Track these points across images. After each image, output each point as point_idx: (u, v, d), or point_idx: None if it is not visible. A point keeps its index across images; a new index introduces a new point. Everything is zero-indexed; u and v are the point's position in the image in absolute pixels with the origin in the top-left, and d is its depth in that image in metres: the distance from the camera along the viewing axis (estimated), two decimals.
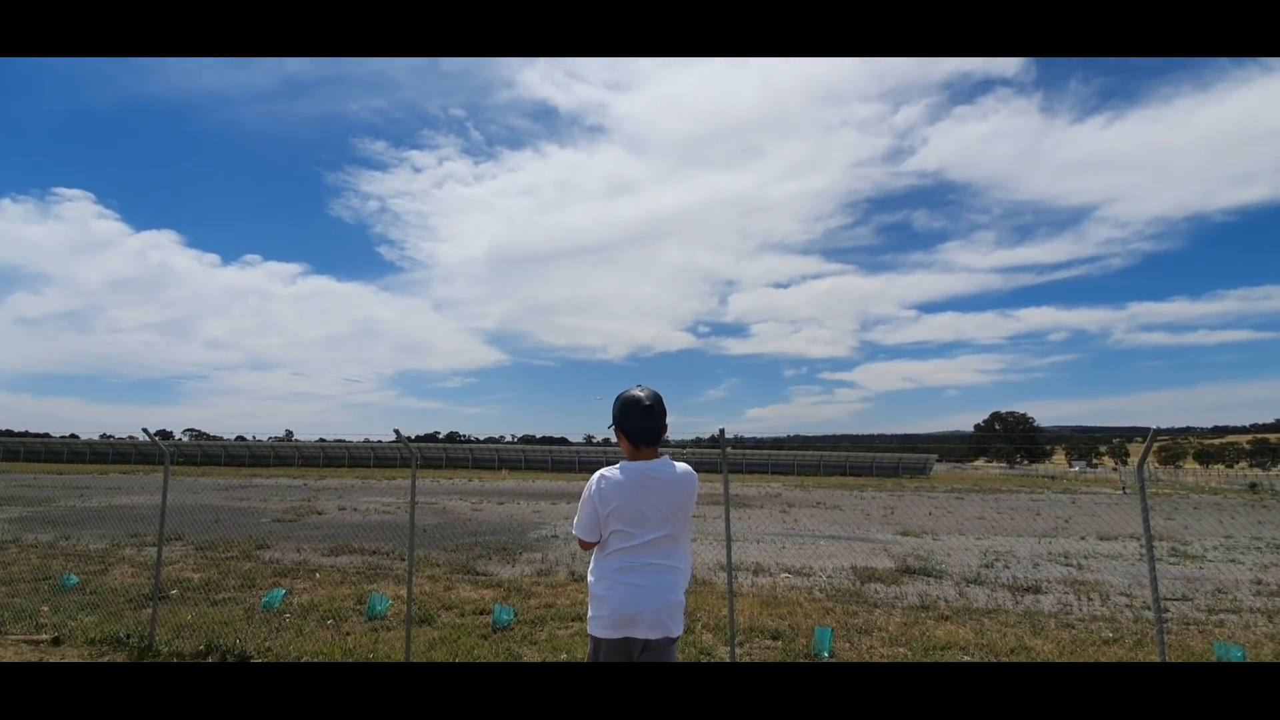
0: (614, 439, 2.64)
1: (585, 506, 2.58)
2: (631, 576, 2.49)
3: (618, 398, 2.65)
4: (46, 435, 73.01)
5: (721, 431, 5.03)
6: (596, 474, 2.59)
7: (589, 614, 2.56)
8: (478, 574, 9.33)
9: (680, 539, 2.60)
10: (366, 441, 56.54)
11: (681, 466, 2.64)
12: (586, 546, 2.62)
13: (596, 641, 2.50)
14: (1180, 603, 8.26)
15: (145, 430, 7.22)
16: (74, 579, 8.34)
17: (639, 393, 2.61)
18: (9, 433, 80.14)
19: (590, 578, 2.60)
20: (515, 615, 6.81)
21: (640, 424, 2.56)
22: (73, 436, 65.13)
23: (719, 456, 5.60)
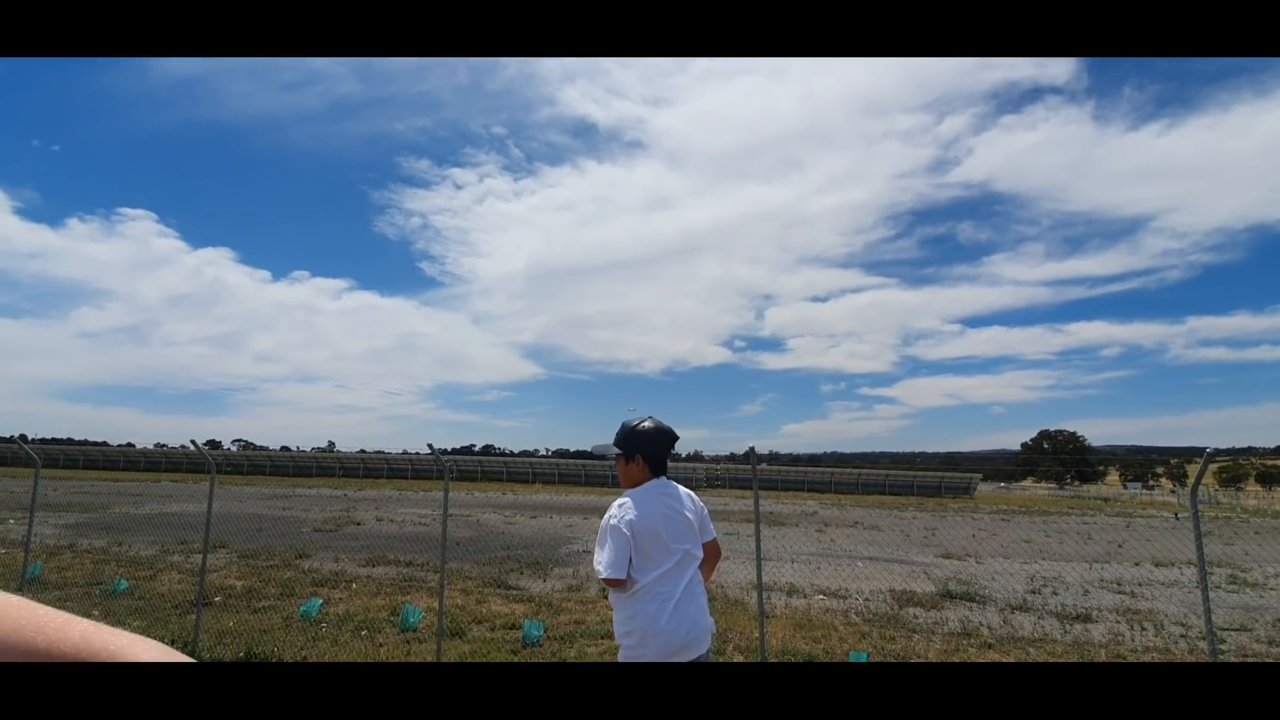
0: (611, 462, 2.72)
1: (613, 540, 2.40)
2: (674, 610, 2.41)
3: (626, 425, 2.68)
4: (104, 444, 76.37)
5: (752, 449, 4.98)
6: (615, 505, 2.51)
7: (623, 654, 2.44)
8: (509, 588, 9.37)
9: (697, 551, 2.60)
10: (405, 453, 57.65)
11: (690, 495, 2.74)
12: (616, 585, 2.41)
13: None
14: (1239, 633, 7.81)
15: (193, 441, 7.50)
16: (124, 584, 8.66)
17: (645, 423, 2.66)
18: (70, 441, 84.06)
19: (623, 615, 2.46)
20: (545, 631, 6.81)
21: (653, 449, 2.64)
22: (129, 445, 67.90)
23: (751, 473, 5.54)
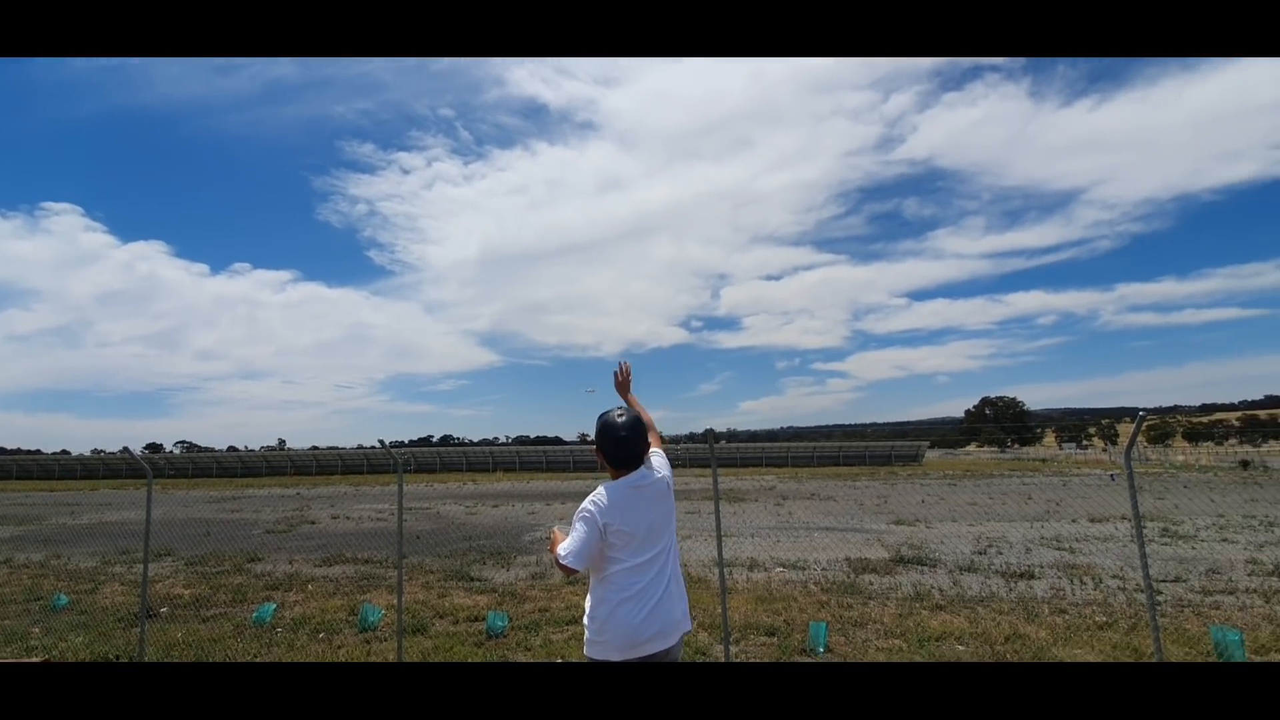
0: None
1: (582, 533, 2.43)
2: (639, 602, 2.43)
3: (600, 418, 2.66)
4: (38, 452, 72.32)
5: (710, 430, 5.02)
6: (588, 500, 2.51)
7: (587, 637, 2.49)
8: (472, 580, 9.29)
9: (673, 542, 2.60)
10: (360, 448, 56.34)
11: (656, 462, 2.67)
12: (569, 573, 2.45)
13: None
14: (1174, 584, 8.29)
15: (126, 448, 7.15)
16: (65, 599, 8.25)
17: (618, 418, 2.60)
18: (1, 450, 79.29)
19: (590, 602, 2.52)
20: (509, 621, 6.78)
21: (615, 451, 2.58)
22: (64, 453, 64.59)
23: (709, 452, 5.59)
